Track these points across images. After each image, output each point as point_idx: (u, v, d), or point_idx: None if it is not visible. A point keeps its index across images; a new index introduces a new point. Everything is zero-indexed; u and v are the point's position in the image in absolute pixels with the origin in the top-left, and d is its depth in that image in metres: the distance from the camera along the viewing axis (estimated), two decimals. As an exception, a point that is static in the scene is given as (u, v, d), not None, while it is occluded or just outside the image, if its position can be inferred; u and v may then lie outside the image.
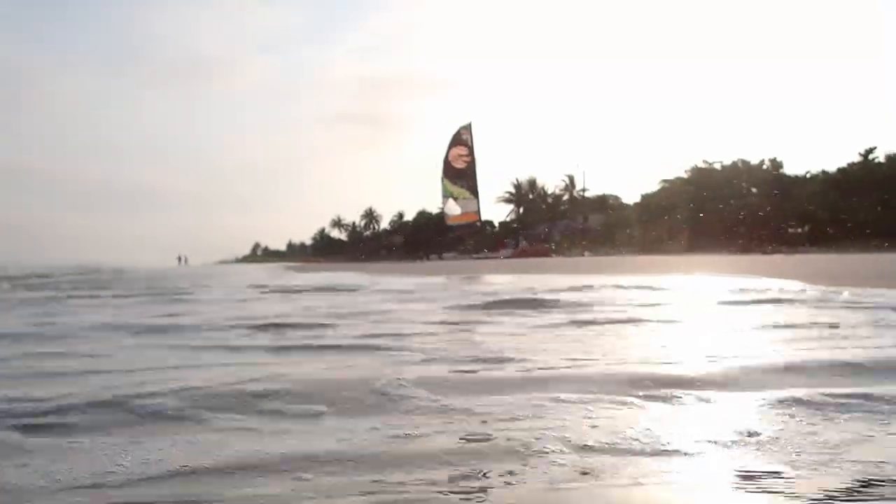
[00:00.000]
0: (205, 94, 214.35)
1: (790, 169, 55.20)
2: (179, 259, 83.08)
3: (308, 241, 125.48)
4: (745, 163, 56.32)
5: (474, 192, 62.74)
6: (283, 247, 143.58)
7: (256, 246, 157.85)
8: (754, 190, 53.54)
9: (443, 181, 63.03)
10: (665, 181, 59.01)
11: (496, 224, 79.71)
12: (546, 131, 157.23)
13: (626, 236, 57.55)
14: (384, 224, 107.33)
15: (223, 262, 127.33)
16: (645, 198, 60.45)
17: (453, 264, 32.09)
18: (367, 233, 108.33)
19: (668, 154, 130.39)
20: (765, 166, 55.32)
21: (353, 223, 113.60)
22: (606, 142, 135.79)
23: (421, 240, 75.57)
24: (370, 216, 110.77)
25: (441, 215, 66.10)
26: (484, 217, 66.52)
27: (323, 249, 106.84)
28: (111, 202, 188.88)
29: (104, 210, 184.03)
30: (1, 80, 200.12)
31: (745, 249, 41.26)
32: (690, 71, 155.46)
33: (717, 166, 56.86)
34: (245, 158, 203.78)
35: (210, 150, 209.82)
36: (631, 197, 69.30)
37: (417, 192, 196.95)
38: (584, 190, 68.72)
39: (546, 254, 49.13)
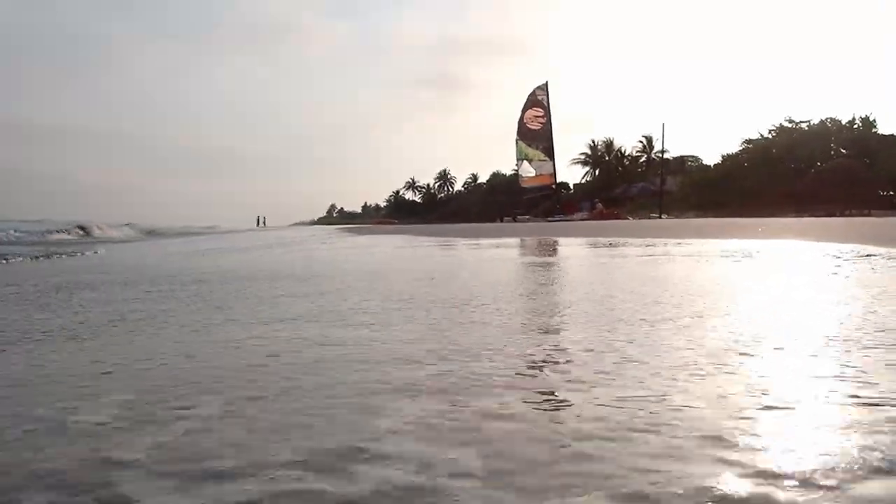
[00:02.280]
0: (280, 59, 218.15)
1: (884, 128, 52.56)
2: (258, 220, 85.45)
3: (382, 203, 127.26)
4: (834, 121, 53.90)
5: (549, 154, 62.43)
6: (358, 209, 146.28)
7: (332, 207, 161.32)
8: (844, 151, 51.29)
9: (517, 143, 62.99)
10: (747, 141, 57.14)
11: (571, 186, 78.92)
12: (624, 91, 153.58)
13: (704, 198, 56.19)
14: (458, 186, 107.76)
15: (300, 223, 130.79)
16: (726, 159, 58.73)
17: (528, 226, 32.03)
18: (442, 195, 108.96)
19: (751, 113, 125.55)
20: (856, 125, 52.81)
21: (428, 185, 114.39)
22: (686, 101, 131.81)
23: (495, 202, 75.64)
24: (444, 178, 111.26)
25: (515, 177, 66.13)
26: (559, 179, 66.12)
27: (397, 211, 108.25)
28: (194, 165, 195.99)
29: (188, 173, 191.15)
30: (94, 52, 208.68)
31: (832, 212, 39.83)
32: (776, 26, 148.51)
33: (804, 126, 54.61)
34: (322, 123, 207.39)
35: (287, 114, 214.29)
36: (711, 158, 67.39)
37: (492, 154, 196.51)
38: (662, 151, 67.07)
39: (622, 217, 48.57)
